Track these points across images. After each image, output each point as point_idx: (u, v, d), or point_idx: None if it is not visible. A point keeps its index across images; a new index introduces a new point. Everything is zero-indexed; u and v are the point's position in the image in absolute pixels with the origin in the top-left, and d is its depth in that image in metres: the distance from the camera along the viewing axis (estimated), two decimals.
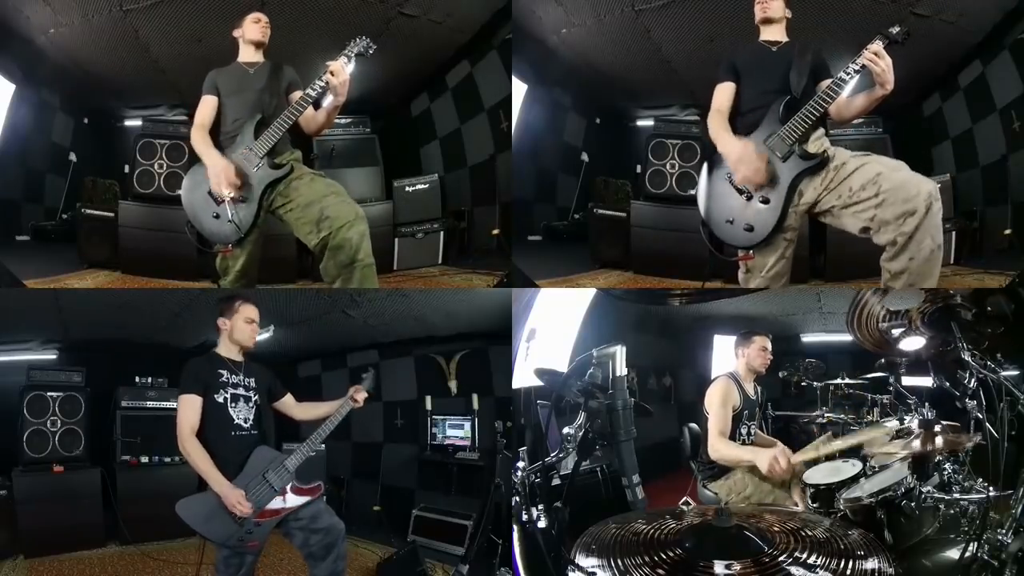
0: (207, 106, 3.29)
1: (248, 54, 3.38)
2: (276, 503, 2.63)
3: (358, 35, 3.23)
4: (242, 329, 2.82)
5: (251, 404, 2.76)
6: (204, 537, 2.54)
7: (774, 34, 3.07)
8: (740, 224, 2.94)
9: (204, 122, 3.26)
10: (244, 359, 2.86)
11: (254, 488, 2.57)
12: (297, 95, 3.25)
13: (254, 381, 2.82)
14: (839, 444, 3.18)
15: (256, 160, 3.17)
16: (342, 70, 3.09)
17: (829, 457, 3.14)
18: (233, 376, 2.76)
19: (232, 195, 3.10)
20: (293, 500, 2.68)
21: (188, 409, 2.60)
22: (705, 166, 3.07)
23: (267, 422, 2.82)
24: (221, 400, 2.67)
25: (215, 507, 2.49)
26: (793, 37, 3.08)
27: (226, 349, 2.84)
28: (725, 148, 2.92)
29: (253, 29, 3.36)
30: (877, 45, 2.69)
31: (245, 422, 2.71)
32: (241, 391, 2.75)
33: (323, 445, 3.86)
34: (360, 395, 2.93)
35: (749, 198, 2.91)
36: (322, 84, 3.09)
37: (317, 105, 3.26)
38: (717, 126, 2.97)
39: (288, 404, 2.98)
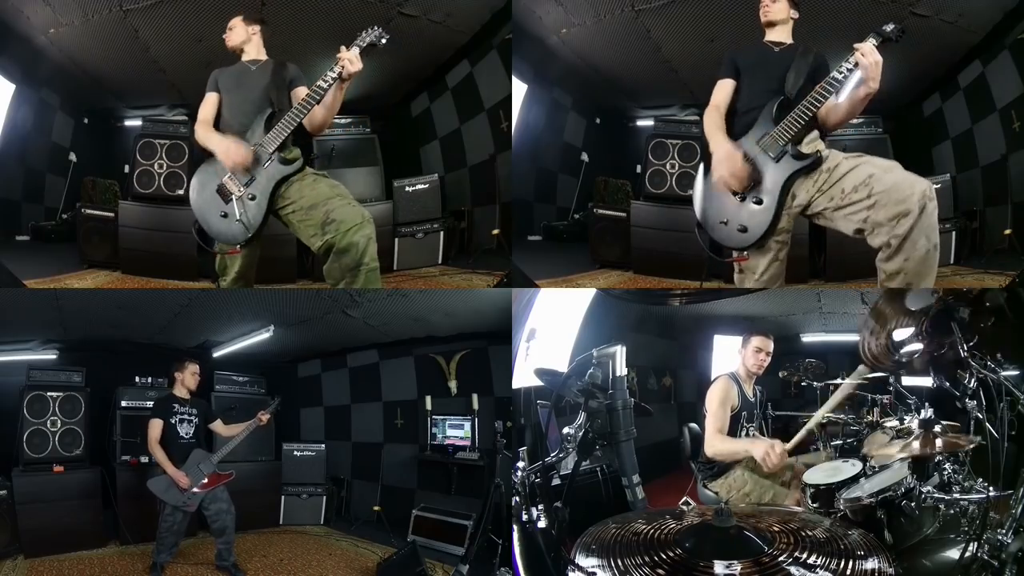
0: (208, 103, 3.32)
1: (250, 52, 3.40)
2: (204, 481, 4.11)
3: (370, 25, 3.17)
4: (188, 379, 4.27)
5: (192, 425, 4.21)
6: (163, 500, 3.99)
7: (779, 35, 3.04)
8: (734, 225, 2.92)
9: (207, 118, 3.29)
10: (190, 396, 4.28)
11: (192, 473, 4.05)
12: (303, 91, 3.19)
13: (195, 410, 4.25)
14: (823, 411, 3.42)
15: (266, 156, 3.14)
16: (357, 59, 3.04)
17: (826, 442, 3.18)
18: (181, 407, 4.20)
19: (246, 166, 3.09)
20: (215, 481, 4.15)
21: (155, 428, 4.11)
22: (702, 167, 3.05)
23: (202, 435, 4.26)
24: (173, 422, 4.15)
25: (169, 483, 4.00)
26: (797, 39, 3.06)
27: (178, 390, 4.27)
28: (713, 147, 2.90)
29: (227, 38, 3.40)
30: (869, 42, 2.68)
31: (186, 435, 4.18)
32: (186, 417, 4.20)
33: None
34: (265, 416, 4.33)
35: (743, 199, 2.88)
36: (333, 76, 3.04)
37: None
38: (712, 124, 2.94)
39: (217, 425, 4.40)
